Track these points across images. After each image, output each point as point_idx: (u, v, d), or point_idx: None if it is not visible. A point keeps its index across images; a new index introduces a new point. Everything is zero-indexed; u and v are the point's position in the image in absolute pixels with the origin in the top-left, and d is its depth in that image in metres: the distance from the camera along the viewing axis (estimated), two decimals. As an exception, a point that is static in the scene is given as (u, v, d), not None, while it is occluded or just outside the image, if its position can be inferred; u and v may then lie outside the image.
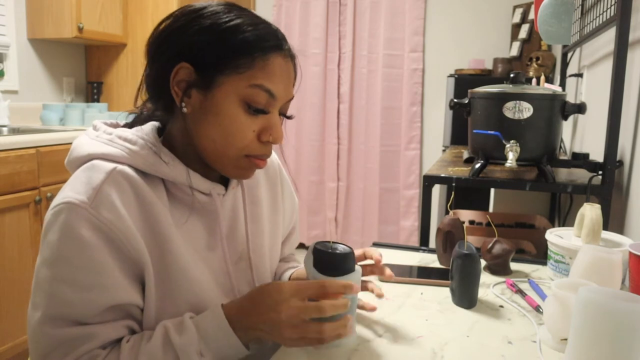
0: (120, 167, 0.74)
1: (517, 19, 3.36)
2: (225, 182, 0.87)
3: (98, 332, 0.71)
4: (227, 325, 0.72)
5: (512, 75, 1.56)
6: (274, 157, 1.01)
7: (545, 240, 1.10)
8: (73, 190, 0.72)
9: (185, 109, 0.76)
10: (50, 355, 0.71)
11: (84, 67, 3.39)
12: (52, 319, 0.70)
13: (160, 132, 0.84)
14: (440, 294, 0.99)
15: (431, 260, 1.19)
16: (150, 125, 0.82)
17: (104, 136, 0.79)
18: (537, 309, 0.93)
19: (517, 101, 1.47)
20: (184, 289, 0.77)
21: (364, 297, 0.94)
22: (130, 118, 0.88)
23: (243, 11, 0.77)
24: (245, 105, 0.75)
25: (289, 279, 1.00)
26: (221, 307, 0.74)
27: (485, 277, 1.08)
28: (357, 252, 0.89)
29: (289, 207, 1.04)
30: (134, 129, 0.81)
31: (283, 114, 0.82)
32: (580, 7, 2.21)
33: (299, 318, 0.70)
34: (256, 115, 0.76)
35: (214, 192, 0.83)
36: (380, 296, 0.88)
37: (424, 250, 1.27)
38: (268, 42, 0.75)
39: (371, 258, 0.89)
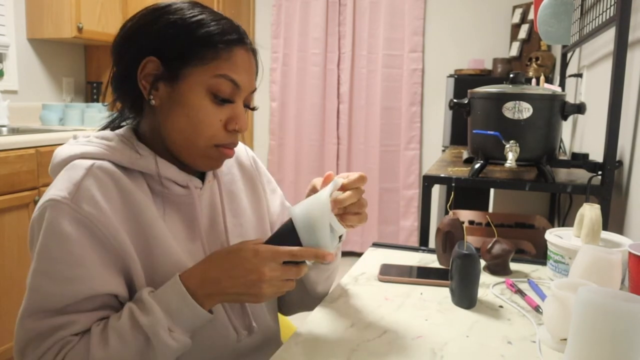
0: (99, 162, 0.77)
1: (516, 19, 3.36)
2: (201, 178, 0.89)
3: (74, 320, 0.73)
4: (189, 298, 0.73)
5: (511, 75, 1.56)
6: (249, 151, 1.04)
7: (545, 241, 1.10)
8: (55, 188, 0.75)
9: (153, 102, 0.79)
10: (27, 347, 0.73)
11: (83, 67, 3.39)
12: (33, 312, 0.73)
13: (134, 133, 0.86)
14: (440, 294, 0.99)
15: (431, 261, 1.19)
16: (126, 126, 0.86)
17: (82, 140, 0.83)
18: (537, 309, 0.93)
19: (517, 101, 1.47)
20: (170, 273, 0.78)
21: (365, 303, 0.94)
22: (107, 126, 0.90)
23: (206, 8, 0.81)
24: (212, 95, 0.78)
25: None
26: (179, 278, 0.75)
27: (485, 277, 1.08)
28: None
29: (271, 197, 1.04)
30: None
31: (247, 105, 0.85)
32: (579, 7, 2.21)
33: (279, 279, 0.75)
34: (222, 105, 0.79)
35: (192, 185, 0.84)
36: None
37: (423, 251, 1.27)
38: (231, 35, 0.79)
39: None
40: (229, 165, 0.97)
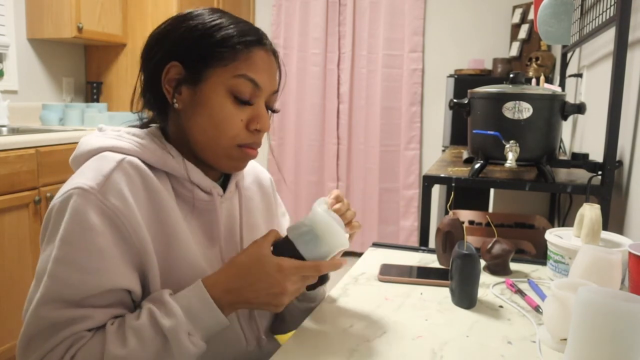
0: (129, 157, 0.78)
1: (516, 19, 3.36)
2: (223, 187, 0.90)
3: (89, 315, 0.72)
4: (212, 304, 0.74)
5: (511, 75, 1.56)
6: (267, 174, 1.06)
7: (545, 241, 1.10)
8: (83, 177, 0.74)
9: (176, 105, 0.81)
10: (36, 337, 0.71)
11: (83, 67, 3.39)
12: (50, 300, 0.71)
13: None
14: (440, 294, 0.99)
15: (431, 261, 1.19)
16: (155, 126, 0.87)
17: (111, 133, 0.83)
18: (537, 309, 0.93)
19: (517, 101, 1.47)
20: (189, 277, 0.78)
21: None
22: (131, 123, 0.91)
23: (225, 13, 0.83)
24: (232, 96, 0.80)
25: None
26: (203, 284, 0.75)
27: (485, 277, 1.08)
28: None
29: (282, 219, 1.07)
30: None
31: (269, 107, 0.86)
32: (579, 7, 2.21)
33: (300, 290, 0.79)
34: (243, 105, 0.81)
35: (215, 192, 0.85)
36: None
37: (423, 251, 1.27)
38: (249, 36, 0.81)
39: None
40: (250, 181, 0.99)
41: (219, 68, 0.78)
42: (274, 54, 0.85)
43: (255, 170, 1.03)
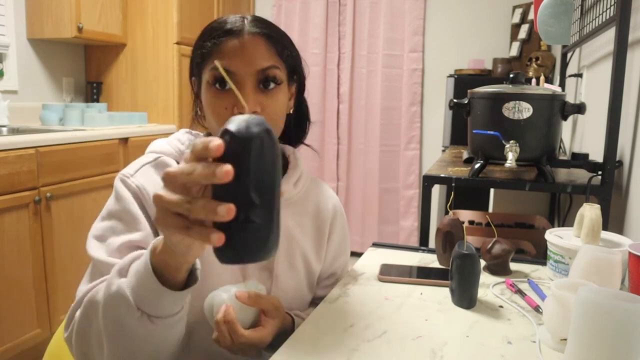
0: (164, 157, 0.93)
1: (516, 19, 3.36)
2: None
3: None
4: (149, 267, 0.67)
5: (511, 75, 1.56)
6: (333, 203, 1.08)
7: (545, 241, 1.10)
8: (129, 167, 0.92)
9: (199, 112, 0.97)
10: (74, 307, 0.82)
11: (83, 67, 3.39)
12: (99, 239, 0.85)
13: None
14: (440, 294, 0.99)
15: (431, 261, 1.19)
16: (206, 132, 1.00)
17: (166, 139, 0.98)
18: (537, 309, 0.93)
19: (517, 101, 1.47)
20: (203, 271, 0.83)
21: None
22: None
23: (220, 18, 0.91)
24: (213, 87, 0.87)
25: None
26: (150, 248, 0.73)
27: (485, 277, 1.08)
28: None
29: (332, 251, 1.06)
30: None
31: (266, 81, 0.86)
32: (579, 7, 2.21)
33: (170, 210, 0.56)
34: (224, 92, 0.86)
35: None
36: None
37: (423, 251, 1.27)
38: (217, 31, 0.87)
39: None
40: (303, 195, 1.06)
41: (204, 68, 0.88)
42: (251, 34, 0.85)
43: (321, 193, 1.10)
